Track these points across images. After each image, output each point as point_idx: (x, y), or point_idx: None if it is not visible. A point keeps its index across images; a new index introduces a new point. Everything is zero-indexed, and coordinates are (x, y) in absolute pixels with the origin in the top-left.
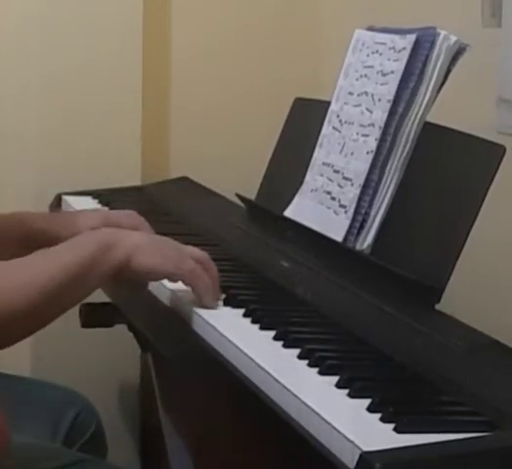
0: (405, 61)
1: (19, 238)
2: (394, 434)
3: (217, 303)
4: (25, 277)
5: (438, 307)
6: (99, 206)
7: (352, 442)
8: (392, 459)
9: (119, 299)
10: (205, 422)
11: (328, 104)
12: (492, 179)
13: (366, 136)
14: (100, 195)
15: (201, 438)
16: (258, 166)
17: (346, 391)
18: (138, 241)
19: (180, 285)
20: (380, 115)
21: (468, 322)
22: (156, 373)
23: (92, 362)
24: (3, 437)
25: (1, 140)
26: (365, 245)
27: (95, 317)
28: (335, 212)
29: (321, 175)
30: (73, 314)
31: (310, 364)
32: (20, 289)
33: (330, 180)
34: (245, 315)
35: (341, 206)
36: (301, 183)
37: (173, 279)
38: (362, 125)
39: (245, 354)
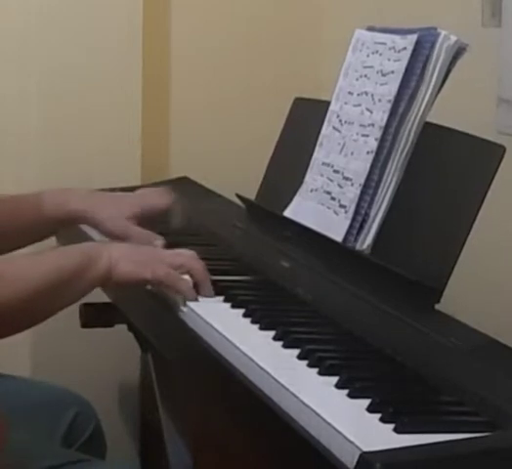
0: (406, 61)
1: (58, 218)
2: (394, 434)
3: (211, 294)
4: (20, 275)
5: (438, 307)
6: None
7: (352, 442)
8: (392, 459)
9: (119, 299)
10: (205, 422)
11: (328, 104)
12: (492, 179)
13: (366, 136)
14: None
15: (201, 437)
16: (258, 166)
17: (346, 391)
18: (117, 255)
19: None
20: (380, 115)
21: (468, 322)
22: (156, 373)
23: (92, 362)
24: (1, 436)
25: (1, 139)
26: (365, 245)
27: (95, 317)
28: (335, 212)
29: (321, 175)
30: (73, 314)
31: (310, 365)
32: (12, 286)
33: (330, 180)
34: (245, 315)
35: (341, 206)
36: (301, 183)
37: (153, 285)
38: (362, 125)
39: (245, 354)
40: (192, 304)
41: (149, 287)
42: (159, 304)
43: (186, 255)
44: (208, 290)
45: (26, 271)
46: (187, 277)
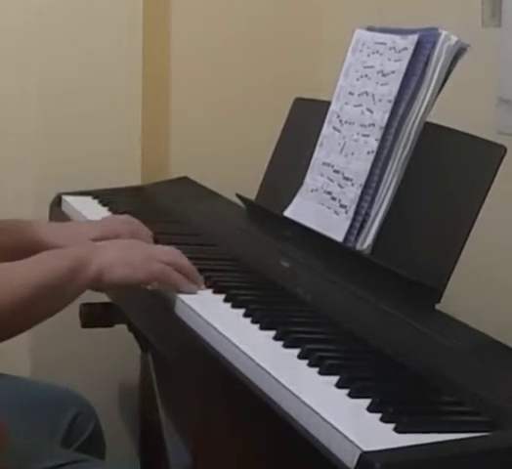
0: (406, 61)
1: (15, 247)
2: (394, 434)
3: (200, 288)
4: (15, 279)
5: (438, 307)
6: (99, 206)
7: (352, 442)
8: (392, 459)
9: (119, 299)
10: (205, 422)
11: (328, 104)
12: (493, 179)
13: (367, 136)
14: (100, 195)
15: (201, 438)
16: (258, 166)
17: (346, 391)
18: (107, 258)
19: None
20: (381, 115)
21: (468, 322)
22: (156, 373)
23: (92, 362)
24: (1, 437)
25: (1, 140)
26: (366, 245)
27: (95, 317)
28: (335, 212)
29: (322, 175)
30: (73, 314)
31: (310, 364)
32: (9, 289)
33: (331, 180)
34: (245, 315)
35: (341, 206)
36: (301, 183)
37: (147, 284)
38: (362, 125)
39: (245, 354)
40: (192, 303)
41: (147, 287)
42: (159, 304)
43: (172, 253)
44: (199, 281)
45: (19, 276)
46: None
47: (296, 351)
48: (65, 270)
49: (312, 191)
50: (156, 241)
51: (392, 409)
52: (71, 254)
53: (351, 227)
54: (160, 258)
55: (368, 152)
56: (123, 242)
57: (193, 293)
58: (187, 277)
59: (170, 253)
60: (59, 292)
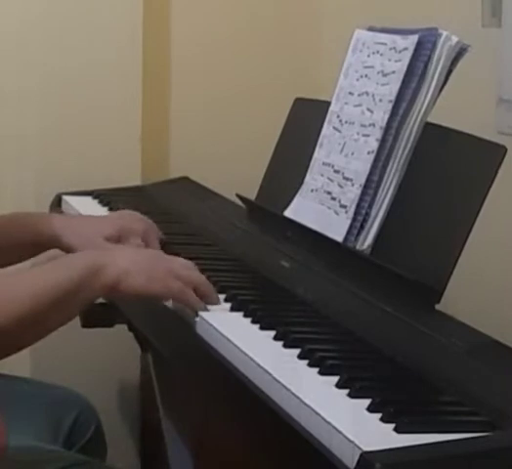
0: (407, 61)
1: (30, 242)
2: (394, 434)
3: (218, 305)
4: (19, 290)
5: (438, 307)
6: (99, 206)
7: (352, 442)
8: (392, 459)
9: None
10: (205, 422)
11: (328, 104)
12: (493, 179)
13: (367, 136)
14: (100, 195)
15: (201, 438)
16: (258, 166)
17: (346, 391)
18: (126, 265)
19: None
20: (381, 115)
21: (468, 322)
22: (156, 373)
23: (92, 362)
24: (0, 439)
25: (1, 140)
26: (366, 245)
27: (95, 317)
28: (336, 212)
29: (322, 175)
30: None
31: (310, 364)
32: (12, 302)
33: (331, 180)
34: (245, 315)
35: (341, 206)
36: (301, 183)
37: (163, 299)
38: (362, 125)
39: (245, 354)
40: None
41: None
42: (159, 304)
43: (190, 268)
44: (216, 299)
45: (27, 286)
46: None
47: (296, 351)
48: (75, 280)
49: (312, 190)
50: (162, 244)
51: (392, 409)
52: (83, 263)
53: (351, 227)
54: (179, 273)
55: (369, 152)
56: (143, 251)
57: (206, 310)
58: (204, 295)
59: (187, 267)
60: (65, 304)
